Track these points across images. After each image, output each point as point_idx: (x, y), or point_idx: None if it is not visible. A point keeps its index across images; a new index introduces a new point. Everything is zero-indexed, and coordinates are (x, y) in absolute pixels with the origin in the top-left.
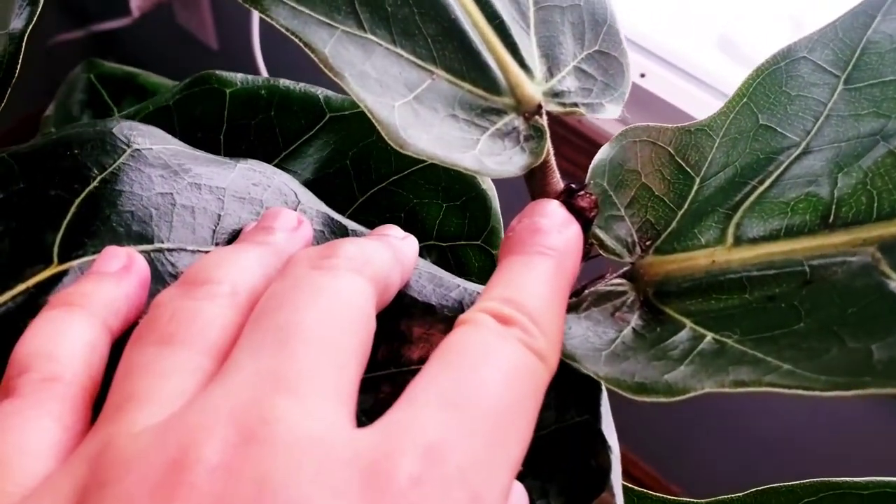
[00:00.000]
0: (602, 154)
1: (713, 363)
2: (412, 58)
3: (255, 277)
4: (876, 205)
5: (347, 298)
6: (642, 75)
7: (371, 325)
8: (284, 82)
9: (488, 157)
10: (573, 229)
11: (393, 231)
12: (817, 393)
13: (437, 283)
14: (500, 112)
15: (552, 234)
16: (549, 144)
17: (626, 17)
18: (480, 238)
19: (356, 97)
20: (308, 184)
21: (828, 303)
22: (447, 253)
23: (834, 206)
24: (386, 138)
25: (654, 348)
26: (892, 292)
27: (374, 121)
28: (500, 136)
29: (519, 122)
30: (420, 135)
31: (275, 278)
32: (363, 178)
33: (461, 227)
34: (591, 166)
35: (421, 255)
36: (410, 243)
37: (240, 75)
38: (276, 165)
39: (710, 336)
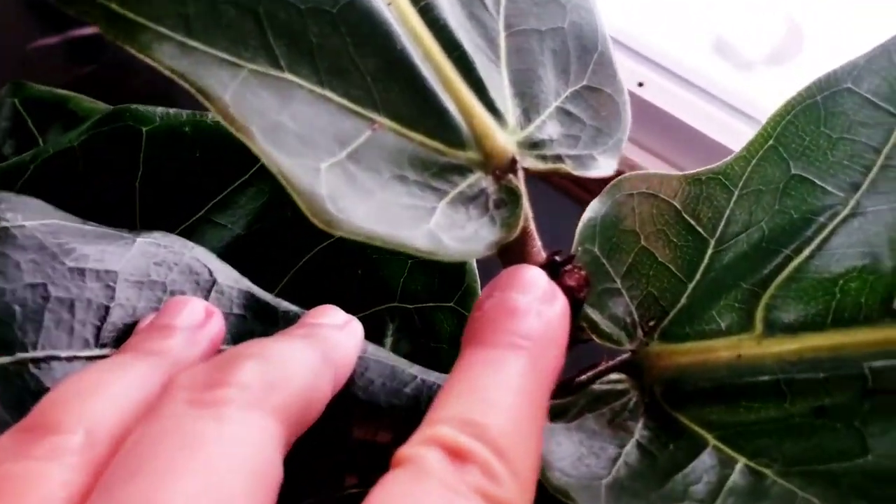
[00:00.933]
0: (591, 212)
1: None
2: (346, 102)
3: (128, 413)
4: None
5: (236, 453)
6: (640, 84)
7: (275, 479)
8: (213, 117)
9: (447, 231)
10: (557, 308)
11: (328, 317)
12: None
13: (387, 377)
14: (462, 170)
15: (529, 316)
16: (527, 210)
17: (619, 20)
18: (453, 299)
19: (266, 158)
20: (239, 240)
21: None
22: (413, 317)
23: None
24: (307, 214)
25: (670, 479)
26: None
27: (290, 191)
28: (463, 202)
29: (487, 184)
30: (356, 207)
31: (143, 416)
32: (307, 230)
33: (430, 287)
34: (579, 229)
35: (381, 319)
36: (350, 333)
37: (160, 109)
38: (201, 218)
39: (741, 462)
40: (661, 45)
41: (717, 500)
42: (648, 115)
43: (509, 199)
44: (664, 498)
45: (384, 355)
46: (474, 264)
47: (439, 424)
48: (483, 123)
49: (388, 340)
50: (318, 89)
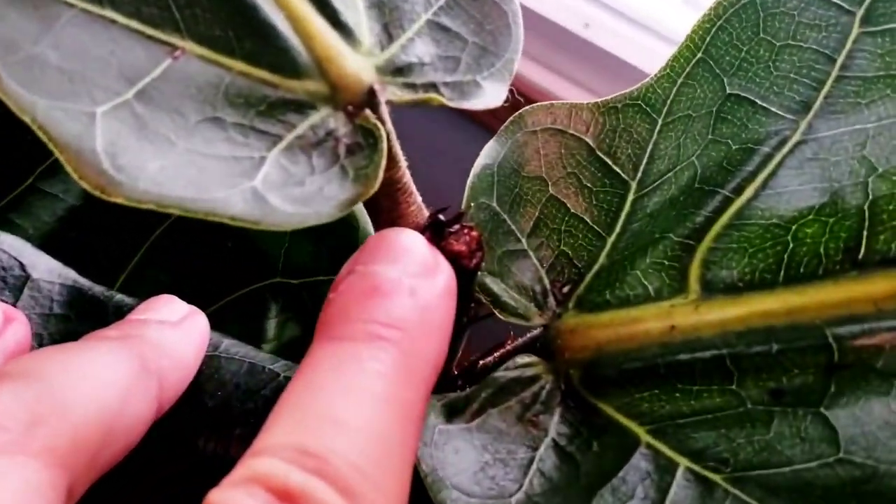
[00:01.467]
0: (486, 157)
1: None
2: (135, 24)
3: None
4: None
5: None
6: (586, 25)
7: None
8: None
9: (280, 189)
10: (439, 283)
11: (159, 311)
12: None
13: (243, 377)
14: (301, 107)
15: (398, 296)
16: (397, 156)
17: None
18: None
19: (14, 103)
20: (75, 213)
21: (879, 409)
22: (301, 294)
23: (866, 232)
24: (73, 175)
25: (596, 494)
26: None
27: (50, 145)
28: (303, 149)
29: (337, 123)
30: (145, 162)
31: None
32: None
33: (317, 257)
34: (471, 179)
35: (262, 299)
36: (188, 330)
37: None
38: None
39: (683, 466)
40: None
41: None
42: (596, 58)
43: (366, 142)
44: None
45: (242, 351)
46: (369, 226)
47: (266, 456)
48: (326, 43)
49: (272, 322)
50: (96, 8)
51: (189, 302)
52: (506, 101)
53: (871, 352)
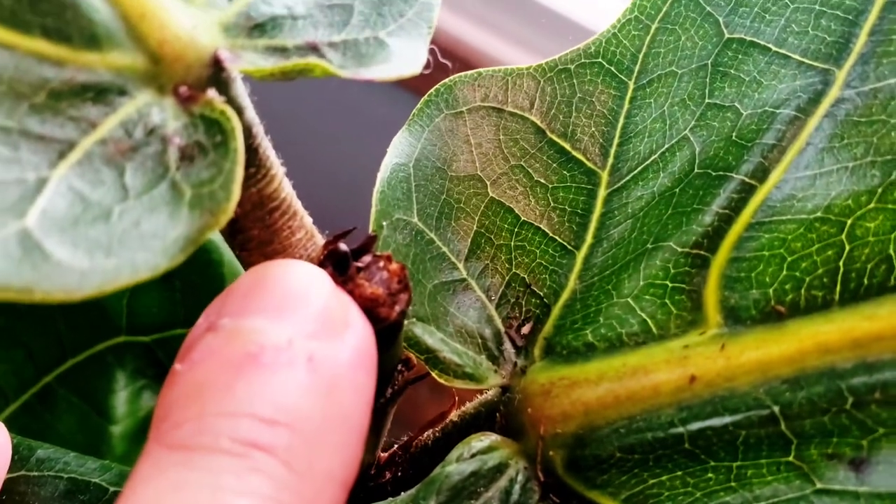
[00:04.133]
0: (396, 154)
1: None
2: None
3: None
4: None
5: None
6: None
7: None
8: None
9: (68, 231)
10: (349, 342)
11: None
12: None
13: (58, 500)
14: (105, 93)
15: (290, 370)
16: (266, 162)
17: None
18: None
19: None
20: None
21: None
22: (155, 353)
23: None
24: None
25: None
26: None
27: None
28: (108, 159)
29: (163, 114)
30: None
31: None
32: None
33: (170, 305)
34: (378, 186)
35: (106, 362)
36: None
37: None
38: None
39: None
40: None
41: None
42: (564, 33)
43: (211, 140)
44: None
45: (59, 463)
46: (232, 258)
47: None
48: None
49: (121, 397)
50: None
51: (8, 379)
52: (426, 68)
53: None
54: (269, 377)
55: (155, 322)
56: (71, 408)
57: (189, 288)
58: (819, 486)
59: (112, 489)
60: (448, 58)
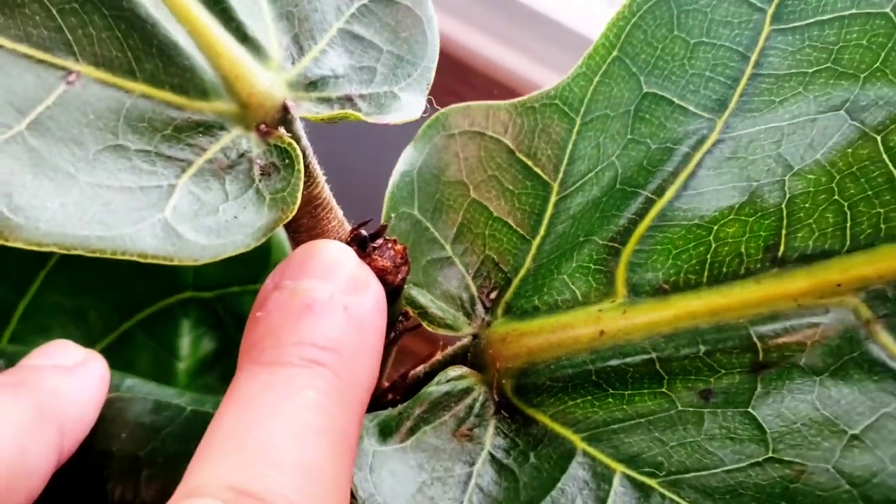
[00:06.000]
0: (404, 164)
1: None
2: (24, 48)
3: None
4: (850, 224)
5: None
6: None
7: None
8: None
9: (192, 220)
10: (370, 298)
11: (52, 357)
12: None
13: (147, 415)
14: (211, 128)
15: (331, 315)
16: (315, 173)
17: None
18: (260, 279)
19: None
20: None
21: (804, 407)
22: (214, 307)
23: (784, 230)
24: None
25: (534, 490)
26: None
27: None
28: (215, 174)
29: (250, 144)
30: (45, 201)
31: None
32: None
33: (229, 268)
34: (390, 188)
35: (172, 316)
36: (84, 375)
37: None
38: None
39: (619, 473)
40: None
41: None
42: (575, 46)
43: (282, 162)
44: None
45: (145, 389)
46: (282, 231)
47: (201, 496)
48: (234, 60)
49: (185, 341)
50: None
51: (96, 323)
52: (424, 112)
53: (794, 349)
54: (319, 320)
55: (216, 282)
56: (147, 348)
57: (244, 255)
58: (679, 407)
59: (189, 409)
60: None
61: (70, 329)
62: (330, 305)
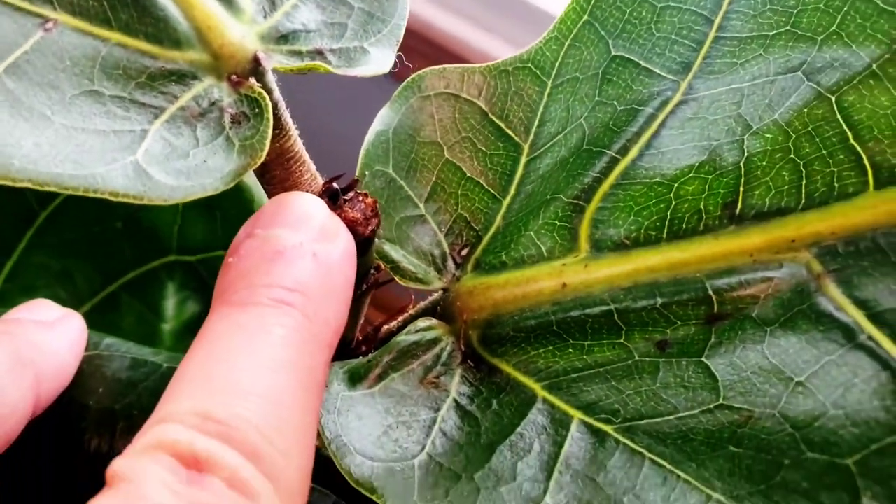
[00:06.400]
0: (380, 123)
1: (594, 486)
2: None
3: None
4: (805, 182)
5: None
6: None
7: None
8: None
9: (163, 163)
10: (339, 247)
11: (36, 312)
12: None
13: (123, 372)
14: (183, 77)
15: (300, 260)
16: (287, 125)
17: None
18: None
19: None
20: None
21: (754, 356)
22: (198, 270)
23: (742, 188)
24: None
25: (496, 450)
26: (843, 325)
27: None
28: (186, 121)
29: (221, 93)
30: (19, 140)
31: None
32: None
33: (212, 232)
34: (365, 146)
35: (157, 278)
36: (62, 332)
37: None
38: None
39: (577, 419)
40: None
41: (552, 477)
42: (542, 25)
43: (252, 111)
44: (489, 479)
45: (123, 348)
46: (264, 197)
47: (170, 422)
48: (207, 12)
49: (170, 302)
50: None
51: (82, 285)
52: (394, 68)
53: (747, 302)
54: (289, 264)
55: (199, 245)
56: (132, 309)
57: (227, 219)
58: (636, 358)
59: (165, 365)
60: (430, 46)
61: (57, 290)
62: (299, 251)
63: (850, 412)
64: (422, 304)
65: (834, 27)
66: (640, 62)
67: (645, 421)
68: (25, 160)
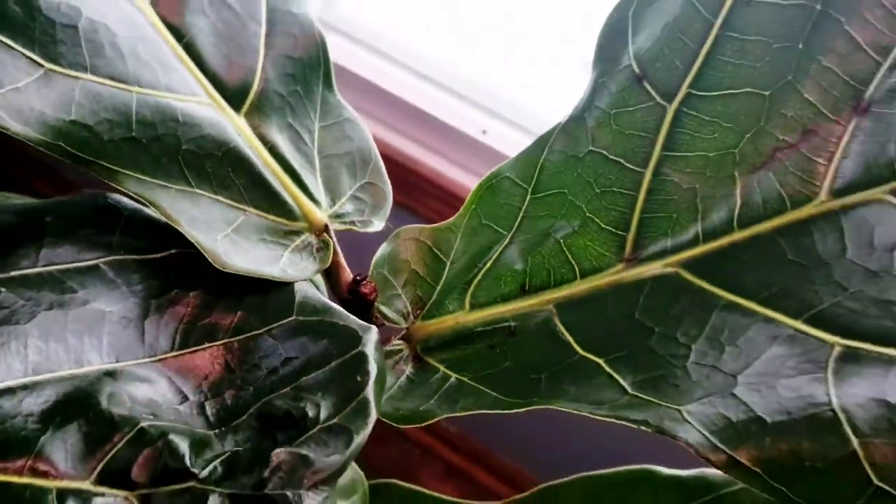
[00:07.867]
0: (382, 250)
1: (453, 396)
2: (229, 202)
3: None
4: (552, 276)
5: None
6: (484, 132)
7: None
8: None
9: (290, 266)
10: None
11: None
12: (512, 411)
13: None
14: (297, 234)
15: None
16: (336, 251)
17: (467, 71)
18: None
19: (189, 236)
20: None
21: (524, 347)
22: None
23: (527, 279)
24: (212, 262)
25: (419, 388)
26: (559, 337)
27: (202, 251)
28: (298, 250)
29: (311, 239)
30: (238, 257)
31: None
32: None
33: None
34: (374, 260)
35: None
36: None
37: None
38: None
39: (454, 377)
40: (506, 96)
41: (437, 394)
42: (492, 160)
43: (324, 246)
44: (413, 396)
45: None
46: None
47: None
48: (307, 207)
49: None
50: (214, 196)
51: None
52: (385, 228)
53: (527, 325)
54: None
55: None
56: None
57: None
58: (487, 350)
59: None
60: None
61: None
62: None
63: None
64: (396, 336)
65: None
66: (494, 226)
67: (479, 373)
68: (240, 263)
